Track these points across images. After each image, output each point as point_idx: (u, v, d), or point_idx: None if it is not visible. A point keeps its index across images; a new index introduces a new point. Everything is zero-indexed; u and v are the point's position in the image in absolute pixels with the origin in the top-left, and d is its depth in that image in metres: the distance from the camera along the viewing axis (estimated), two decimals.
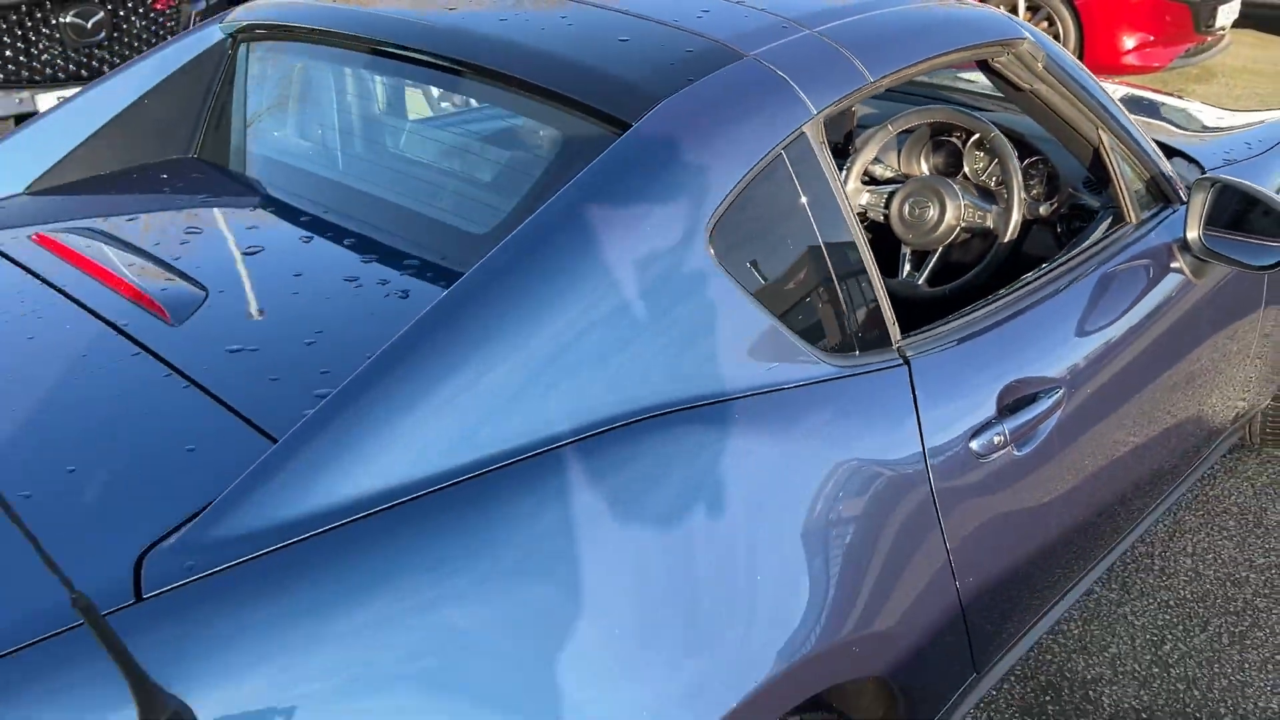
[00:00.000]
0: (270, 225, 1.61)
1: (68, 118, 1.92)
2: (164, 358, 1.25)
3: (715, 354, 1.27)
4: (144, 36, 4.93)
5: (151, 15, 4.92)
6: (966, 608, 1.50)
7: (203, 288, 1.39)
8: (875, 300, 1.45)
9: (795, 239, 1.38)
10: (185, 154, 1.95)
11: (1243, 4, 7.73)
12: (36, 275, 1.45)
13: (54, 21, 4.61)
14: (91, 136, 1.90)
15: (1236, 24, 8.64)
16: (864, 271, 1.45)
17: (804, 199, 1.39)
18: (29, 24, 4.56)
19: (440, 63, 1.59)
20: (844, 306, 1.42)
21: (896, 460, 1.37)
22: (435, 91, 1.90)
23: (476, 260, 1.33)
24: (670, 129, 1.33)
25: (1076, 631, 2.38)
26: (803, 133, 1.40)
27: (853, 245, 1.44)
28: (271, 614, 0.97)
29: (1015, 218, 2.09)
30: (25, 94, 4.60)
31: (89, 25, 4.68)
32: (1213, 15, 6.68)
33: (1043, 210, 2.22)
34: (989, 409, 1.51)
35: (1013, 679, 2.25)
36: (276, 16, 1.92)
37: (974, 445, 1.47)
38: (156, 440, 1.13)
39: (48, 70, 4.66)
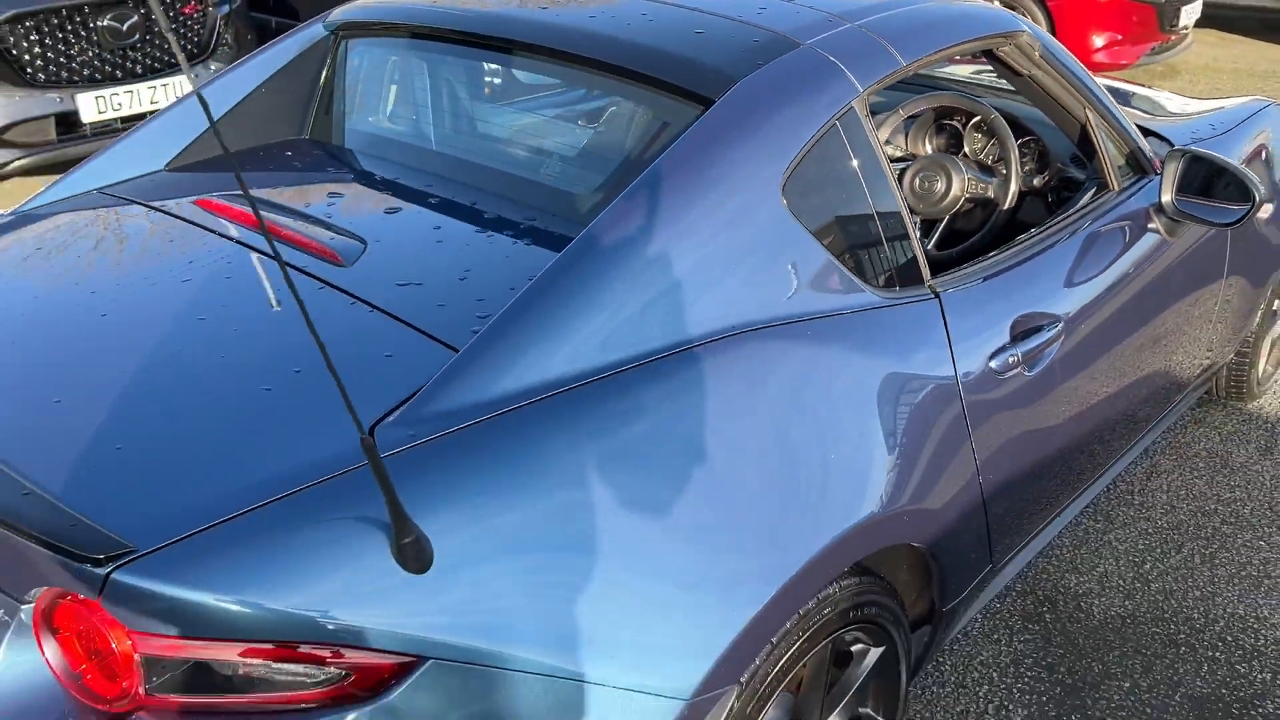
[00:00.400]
0: (396, 190, 1.90)
1: (220, 91, 2.20)
2: (349, 291, 1.54)
3: (789, 284, 1.58)
4: (175, 34, 5.17)
5: (181, 18, 5.17)
6: (986, 500, 1.82)
7: (360, 240, 1.68)
8: (911, 245, 1.77)
9: (848, 193, 1.69)
10: (298, 135, 2.24)
11: (1204, 4, 8.14)
12: (214, 232, 1.74)
13: (91, 25, 4.86)
14: (226, 115, 2.18)
15: (1199, 23, 9.06)
16: (902, 221, 1.76)
17: (854, 161, 1.71)
18: (68, 28, 4.81)
19: (538, 52, 1.88)
20: (887, 249, 1.74)
21: (933, 373, 1.68)
22: (531, 77, 2.19)
23: (585, 215, 1.62)
24: (747, 104, 1.64)
25: (1068, 555, 2.70)
26: (852, 107, 1.71)
27: (893, 199, 1.75)
28: (472, 467, 1.27)
29: (1013, 188, 2.41)
30: (65, 94, 4.84)
31: (124, 28, 4.93)
32: (1176, 15, 7.07)
33: (1036, 182, 2.54)
34: (1004, 336, 1.83)
35: (1014, 594, 2.56)
36: (372, 15, 2.21)
37: (993, 364, 1.79)
38: (363, 350, 1.42)
39: (85, 71, 4.91)
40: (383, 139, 2.12)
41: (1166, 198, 2.27)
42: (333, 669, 1.17)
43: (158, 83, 5.12)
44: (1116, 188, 2.29)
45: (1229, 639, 2.44)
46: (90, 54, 4.88)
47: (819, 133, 1.66)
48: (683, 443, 1.39)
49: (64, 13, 4.76)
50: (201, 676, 1.17)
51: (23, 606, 1.23)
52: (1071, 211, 2.16)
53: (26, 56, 4.70)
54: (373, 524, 1.19)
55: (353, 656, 1.17)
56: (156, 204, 1.89)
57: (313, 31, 2.29)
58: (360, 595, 1.17)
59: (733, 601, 1.36)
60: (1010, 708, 2.24)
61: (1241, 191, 2.19)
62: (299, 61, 2.26)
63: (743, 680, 1.39)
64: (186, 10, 5.20)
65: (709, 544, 1.36)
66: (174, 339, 1.47)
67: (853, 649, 1.71)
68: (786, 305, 1.57)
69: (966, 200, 2.49)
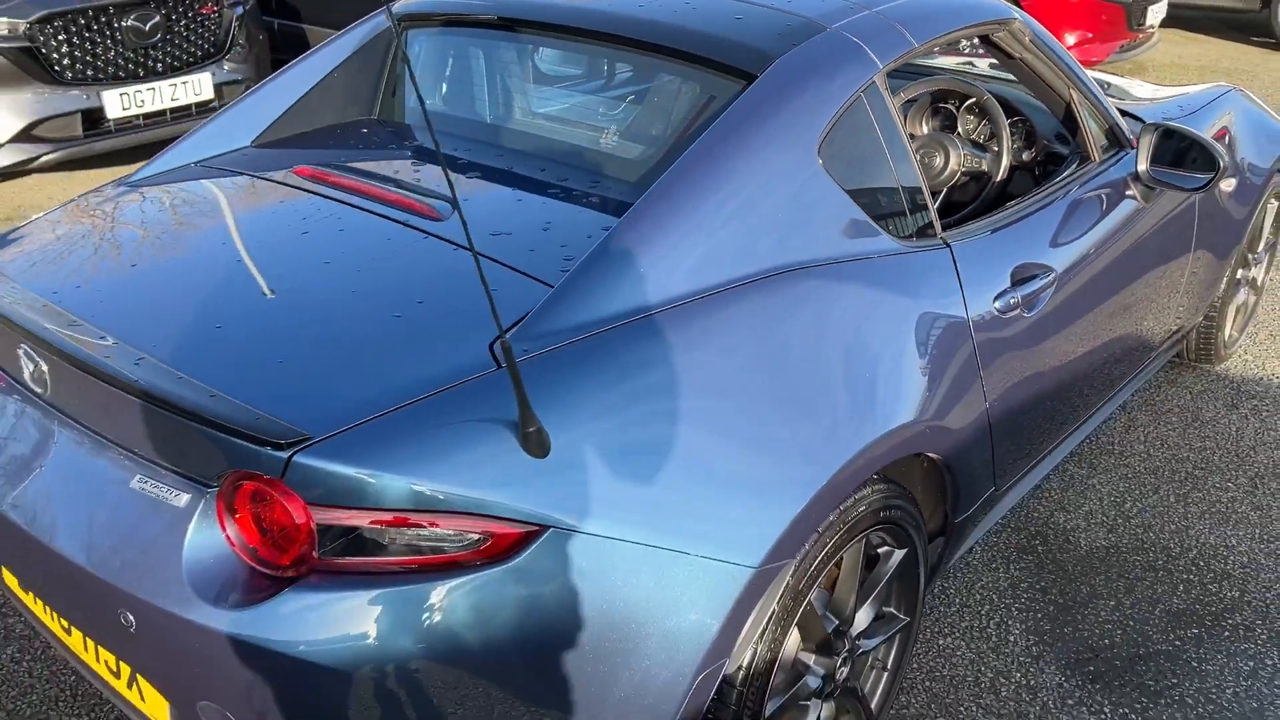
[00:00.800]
0: (470, 159, 2.15)
1: (275, 90, 2.44)
2: (450, 240, 1.79)
3: (825, 231, 1.84)
4: (191, 37, 5.40)
5: (199, 18, 5.39)
6: (992, 423, 2.08)
7: (447, 199, 1.93)
8: (925, 201, 2.03)
9: (872, 155, 1.96)
10: (368, 115, 2.48)
11: (1169, 4, 8.50)
12: (320, 195, 1.98)
13: (116, 25, 5.07)
14: (294, 104, 2.42)
15: (1164, 23, 9.44)
16: (917, 179, 2.03)
17: (877, 128, 1.97)
18: (94, 28, 5.02)
19: (591, 37, 2.14)
20: (905, 204, 2.00)
21: (947, 311, 1.95)
22: (583, 59, 2.44)
23: (643, 177, 1.88)
24: (785, 79, 1.90)
25: (1055, 496, 2.98)
26: (874, 81, 1.98)
27: (909, 161, 2.02)
28: (576, 375, 1.52)
29: (1005, 161, 2.69)
30: (91, 91, 5.05)
31: (146, 28, 5.14)
32: (1143, 14, 7.41)
33: (1025, 157, 2.82)
34: (1005, 281, 2.10)
35: (1009, 529, 2.84)
36: (433, 7, 2.46)
37: (996, 305, 2.06)
38: (472, 284, 1.67)
39: (109, 69, 5.12)
40: (449, 117, 2.36)
41: (1142, 167, 2.55)
42: (472, 535, 1.42)
43: (177, 80, 5.33)
44: (1097, 159, 2.57)
45: (1201, 564, 2.72)
46: (115, 53, 5.09)
47: (847, 103, 1.92)
48: (744, 360, 1.65)
49: (90, 13, 4.97)
50: (362, 543, 1.42)
51: (209, 490, 1.47)
52: (1059, 179, 2.44)
53: (55, 55, 4.90)
54: (502, 418, 1.44)
55: (488, 525, 1.41)
56: (261, 173, 2.12)
57: (377, 22, 2.53)
58: (494, 475, 1.41)
59: (789, 493, 1.62)
60: (1010, 624, 2.51)
61: (1208, 160, 2.47)
62: (367, 48, 2.50)
63: (797, 558, 1.65)
64: (205, 10, 5.42)
65: (770, 441, 1.62)
66: (314, 275, 1.71)
67: (879, 551, 1.97)
68: (823, 249, 1.83)
69: (963, 174, 2.76)
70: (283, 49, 6.83)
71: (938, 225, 2.05)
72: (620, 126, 2.15)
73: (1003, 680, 2.33)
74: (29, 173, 5.46)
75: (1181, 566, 2.71)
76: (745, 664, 1.64)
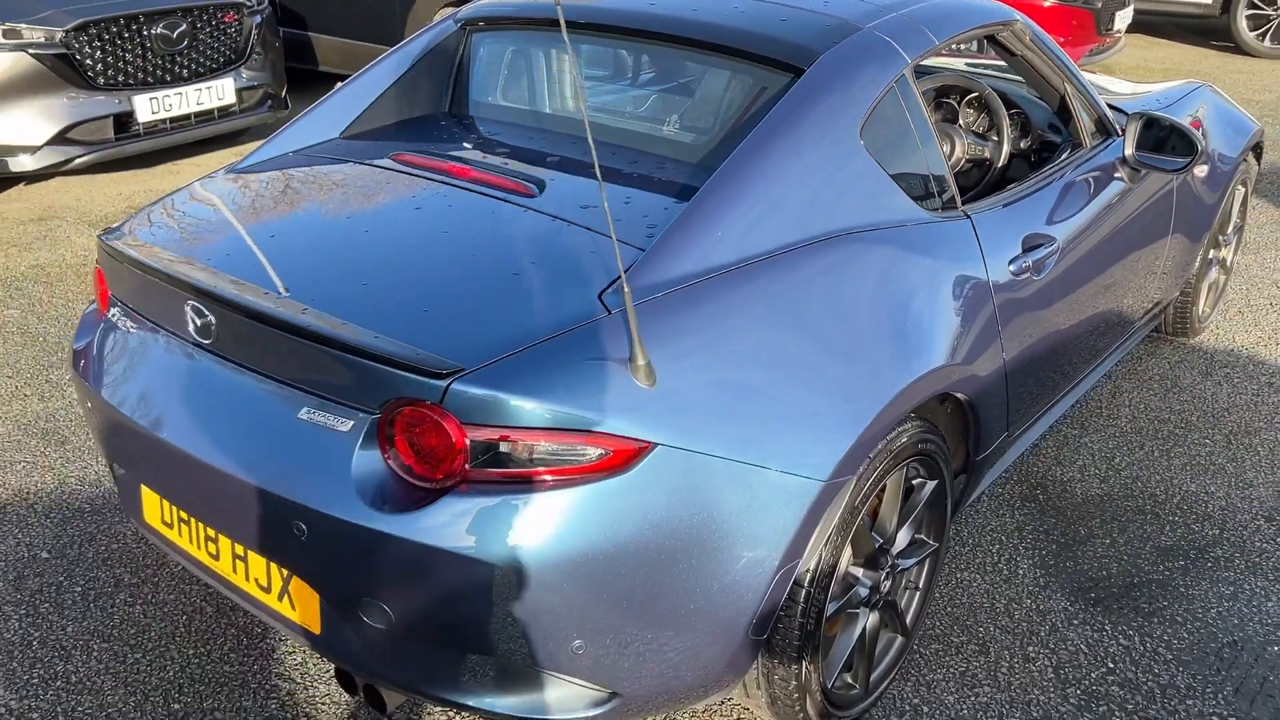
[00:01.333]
0: (549, 145, 2.43)
1: (354, 91, 2.70)
2: (547, 212, 2.07)
3: (868, 202, 2.14)
4: (215, 44, 5.64)
5: (222, 26, 5.63)
6: (1007, 373, 2.38)
7: (535, 180, 2.21)
8: (948, 178, 2.34)
9: (904, 138, 2.26)
10: (439, 110, 2.76)
11: (1135, 10, 8.91)
12: (422, 176, 2.25)
13: (146, 32, 5.30)
14: (375, 100, 2.69)
15: (1130, 28, 9.85)
16: (941, 159, 2.33)
17: (908, 114, 2.27)
18: (126, 35, 5.26)
19: (651, 37, 2.43)
20: (932, 181, 2.30)
21: (971, 272, 2.25)
22: (642, 56, 2.72)
23: (706, 158, 2.16)
24: (829, 72, 2.20)
25: (1052, 453, 3.30)
26: (904, 74, 2.28)
27: (934, 143, 2.32)
28: (674, 319, 1.80)
29: (1006, 149, 3.00)
30: (123, 95, 5.28)
31: (174, 35, 5.38)
32: (1111, 19, 7.80)
33: (1022, 145, 3.13)
34: (1018, 248, 2.41)
35: (1012, 481, 3.14)
36: (492, 11, 2.74)
37: (1011, 269, 2.36)
38: (572, 247, 1.95)
39: (139, 75, 5.35)
40: (526, 111, 2.64)
41: (1129, 151, 2.88)
42: (595, 451, 1.69)
43: (202, 85, 5.57)
44: (1089, 145, 2.89)
45: (1185, 508, 3.04)
46: (144, 59, 5.33)
47: (882, 93, 2.22)
48: (806, 309, 1.94)
49: (122, 21, 5.20)
50: (503, 458, 1.69)
51: (371, 417, 1.74)
52: (1058, 162, 2.75)
53: (89, 61, 5.13)
54: (616, 355, 1.72)
55: (608, 442, 1.69)
56: (362, 159, 2.39)
57: (445, 26, 2.81)
58: (612, 400, 1.69)
59: (849, 422, 1.91)
60: (1018, 560, 2.81)
61: (1187, 145, 2.79)
62: (437, 50, 2.77)
63: (855, 475, 1.94)
64: (227, 19, 5.66)
65: (831, 378, 1.91)
66: (437, 240, 1.99)
67: (914, 483, 2.26)
68: (867, 217, 2.13)
69: (967, 160, 3.07)
70: (291, 57, 7.08)
71: (959, 199, 2.36)
72: (681, 116, 2.44)
73: (1015, 605, 2.63)
74: (59, 175, 5.68)
75: (1167, 510, 3.03)
76: (812, 568, 1.92)
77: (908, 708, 2.32)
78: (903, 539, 2.24)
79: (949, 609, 2.62)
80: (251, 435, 1.83)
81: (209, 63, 5.62)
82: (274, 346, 1.81)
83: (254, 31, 5.86)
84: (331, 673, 2.39)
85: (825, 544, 1.92)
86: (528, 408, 1.66)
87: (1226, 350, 3.98)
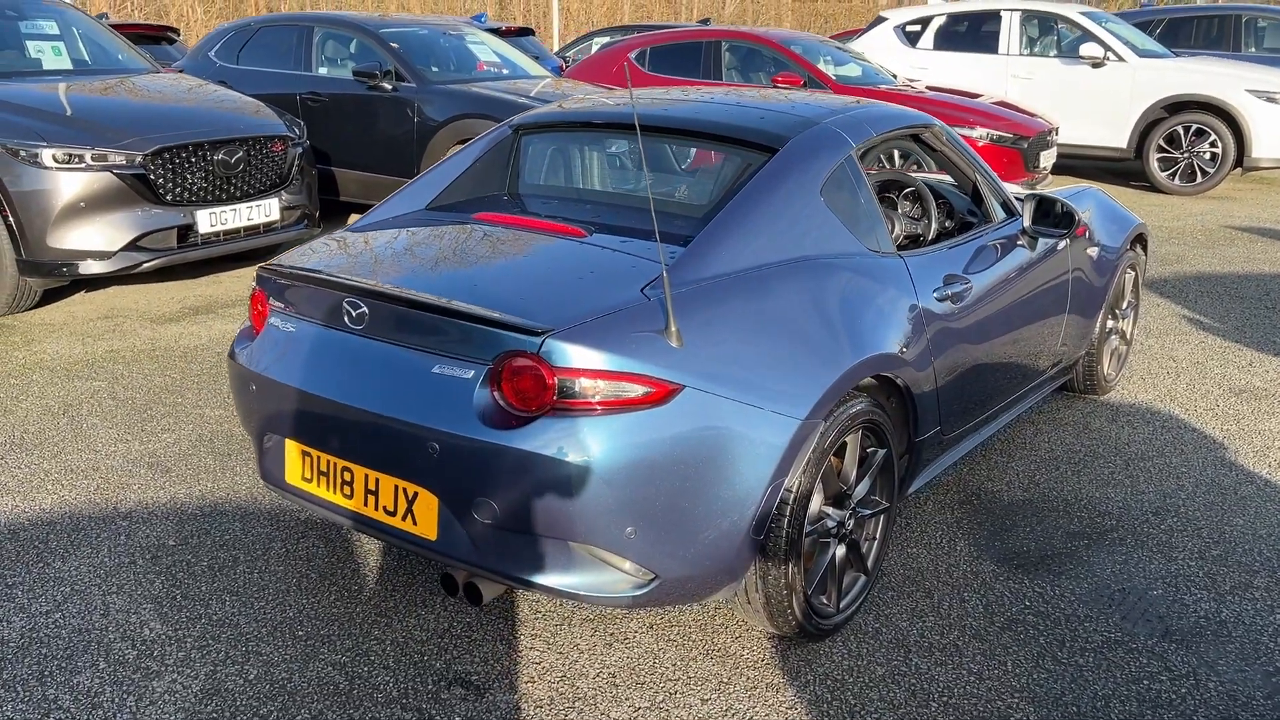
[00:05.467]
0: (585, 208, 3.24)
1: (437, 175, 3.53)
2: (592, 244, 2.86)
3: (827, 241, 2.95)
4: (265, 169, 6.52)
5: (271, 155, 6.53)
6: (936, 372, 3.15)
7: (584, 227, 3.01)
8: (885, 230, 3.17)
9: (853, 199, 3.09)
10: (499, 192, 3.59)
11: (1058, 153, 10.10)
12: (501, 226, 3.05)
13: (210, 158, 6.18)
14: (450, 184, 3.51)
15: (1056, 170, 11.07)
16: (880, 218, 3.17)
17: (854, 183, 3.12)
18: (192, 160, 6.12)
19: (661, 132, 3.28)
20: (873, 231, 3.13)
21: (903, 293, 3.05)
22: (651, 144, 3.56)
23: (705, 214, 3.00)
24: (797, 151, 3.05)
25: (984, 472, 4.04)
26: (851, 154, 3.14)
27: (875, 206, 3.16)
28: (698, 304, 2.57)
29: (935, 226, 3.86)
30: (187, 210, 6.11)
31: (232, 160, 6.26)
32: (1037, 158, 8.93)
33: (947, 224, 4.00)
34: (940, 282, 3.22)
35: (951, 491, 3.88)
36: (539, 119, 3.60)
37: (935, 294, 3.17)
38: (615, 264, 2.73)
39: (199, 193, 6.19)
40: (566, 188, 3.48)
41: (1026, 223, 3.74)
42: (641, 389, 2.43)
43: (254, 204, 6.43)
44: (996, 221, 3.76)
45: (1090, 508, 3.78)
46: (206, 180, 6.19)
47: (835, 166, 3.07)
48: (788, 304, 2.72)
49: (190, 148, 6.08)
50: (579, 392, 2.42)
51: (485, 367, 2.48)
52: (972, 231, 3.60)
53: (161, 180, 5.98)
54: (655, 325, 2.49)
55: (651, 383, 2.44)
56: (451, 216, 3.20)
57: (502, 131, 3.66)
58: (653, 354, 2.44)
59: (819, 378, 2.65)
60: (956, 540, 3.52)
61: (1068, 217, 3.67)
62: (497, 149, 3.62)
63: (825, 421, 2.69)
64: (275, 149, 6.57)
65: (805, 350, 2.68)
66: (523, 259, 2.77)
67: (868, 451, 3.00)
68: (825, 248, 2.94)
69: (905, 236, 3.92)
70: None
71: (893, 247, 3.19)
72: (683, 184, 3.28)
73: (953, 569, 3.34)
74: (124, 280, 6.45)
75: (1075, 510, 3.77)
76: (794, 488, 2.64)
77: (869, 629, 3.00)
78: (861, 490, 2.96)
79: (900, 570, 3.32)
80: (397, 388, 2.56)
81: (258, 185, 6.49)
82: (415, 325, 2.56)
83: (296, 161, 6.76)
84: (438, 581, 3.04)
85: (804, 471, 2.65)
86: (596, 356, 2.41)
87: (1130, 405, 4.79)
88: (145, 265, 5.99)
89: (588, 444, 2.39)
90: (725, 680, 2.76)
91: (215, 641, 2.89)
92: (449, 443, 2.46)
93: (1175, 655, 2.90)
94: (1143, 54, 10.80)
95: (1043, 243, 3.84)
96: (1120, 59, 10.65)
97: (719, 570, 2.60)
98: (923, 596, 3.17)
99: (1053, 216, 3.74)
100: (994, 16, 11.37)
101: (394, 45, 8.20)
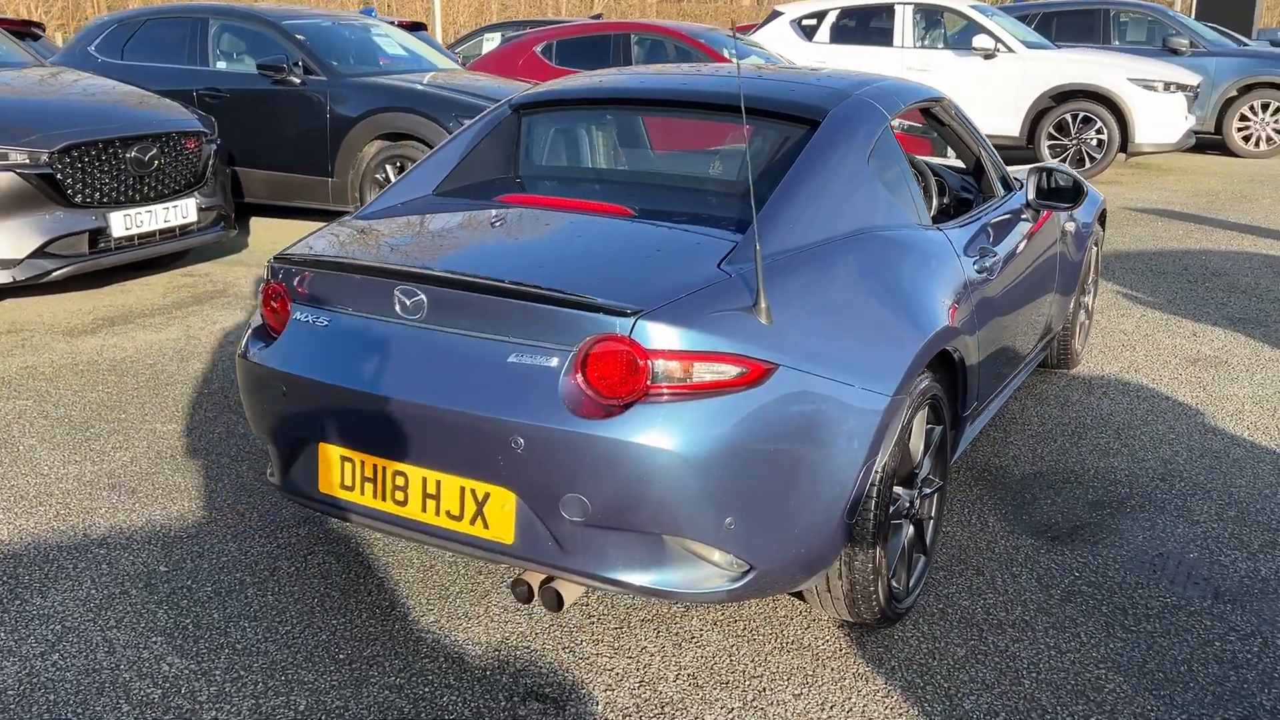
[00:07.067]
0: (612, 190, 3.07)
1: (442, 157, 3.29)
2: (645, 222, 2.69)
3: (880, 212, 2.86)
4: (180, 168, 6.10)
5: (186, 152, 6.11)
6: (979, 346, 3.11)
7: (629, 208, 2.84)
8: (921, 202, 3.10)
9: (894, 170, 3.01)
10: (509, 175, 3.37)
11: None
12: (524, 208, 2.85)
13: (121, 155, 5.73)
14: (456, 167, 3.28)
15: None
16: (918, 189, 3.10)
17: (895, 154, 3.04)
18: (103, 159, 5.67)
19: (696, 107, 3.14)
20: (913, 202, 3.06)
21: (954, 266, 2.99)
22: (685, 120, 3.41)
23: (757, 188, 2.87)
24: (838, 124, 2.95)
25: (988, 448, 4.04)
26: (887, 126, 3.06)
27: (913, 178, 3.09)
28: (775, 279, 2.44)
29: (935, 203, 3.83)
30: (99, 213, 5.65)
31: (146, 158, 5.83)
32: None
33: (944, 200, 3.98)
34: (977, 254, 3.18)
35: (964, 469, 3.85)
36: (543, 97, 3.41)
37: (975, 268, 3.12)
38: (679, 239, 2.57)
39: (111, 194, 5.74)
40: (584, 166, 3.29)
41: (1031, 195, 3.75)
42: (736, 369, 2.29)
43: (169, 204, 5.99)
44: (1000, 195, 3.75)
45: (1099, 478, 3.80)
46: (119, 180, 5.72)
47: (876, 137, 2.99)
48: (866, 276, 2.62)
49: (101, 145, 5.62)
50: (673, 376, 2.26)
51: (569, 353, 2.28)
52: (983, 206, 3.58)
53: (70, 180, 5.50)
54: (741, 302, 2.34)
55: (747, 362, 2.29)
56: (470, 203, 2.97)
57: (502, 110, 3.45)
58: (746, 332, 2.30)
59: (902, 351, 2.56)
60: (985, 516, 3.49)
61: (1075, 189, 3.68)
62: (500, 129, 3.40)
63: (910, 396, 2.59)
64: (189, 145, 6.14)
65: (890, 319, 2.58)
66: (585, 239, 2.58)
67: (928, 428, 2.92)
68: (880, 221, 2.85)
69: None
70: None
71: (929, 218, 3.12)
72: (720, 162, 3.15)
73: (993, 544, 3.30)
74: (21, 292, 5.91)
75: (1086, 480, 3.79)
76: (882, 467, 2.54)
77: (934, 610, 2.92)
78: (925, 467, 2.89)
79: (944, 550, 3.26)
80: (468, 381, 2.34)
81: (173, 184, 6.05)
82: (484, 312, 2.35)
83: (210, 158, 6.34)
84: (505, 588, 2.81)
85: (892, 449, 2.55)
86: (689, 337, 2.25)
87: (1100, 377, 4.88)
88: (55, 274, 5.51)
89: (688, 430, 2.23)
90: (810, 674, 2.64)
91: (247, 672, 2.61)
92: (536, 436, 2.26)
93: (1235, 616, 2.91)
94: (1030, 45, 11.19)
95: (1039, 216, 3.86)
96: (1010, 50, 11.00)
97: (813, 558, 2.48)
98: (974, 574, 3.12)
99: (1058, 189, 3.75)
100: (888, 10, 11.60)
101: (300, 37, 7.80)
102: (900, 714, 2.49)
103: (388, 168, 7.40)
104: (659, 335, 2.24)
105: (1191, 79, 11.03)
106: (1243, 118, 12.71)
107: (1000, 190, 3.76)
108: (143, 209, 5.81)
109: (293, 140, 7.68)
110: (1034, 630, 2.83)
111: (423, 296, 2.42)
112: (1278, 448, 4.07)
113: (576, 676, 2.61)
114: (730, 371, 2.29)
